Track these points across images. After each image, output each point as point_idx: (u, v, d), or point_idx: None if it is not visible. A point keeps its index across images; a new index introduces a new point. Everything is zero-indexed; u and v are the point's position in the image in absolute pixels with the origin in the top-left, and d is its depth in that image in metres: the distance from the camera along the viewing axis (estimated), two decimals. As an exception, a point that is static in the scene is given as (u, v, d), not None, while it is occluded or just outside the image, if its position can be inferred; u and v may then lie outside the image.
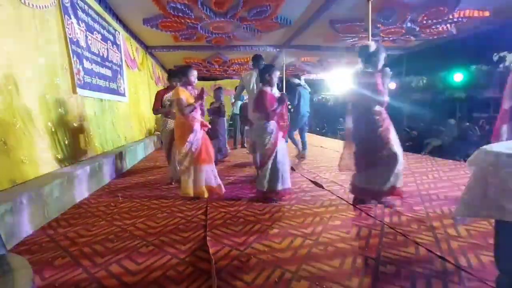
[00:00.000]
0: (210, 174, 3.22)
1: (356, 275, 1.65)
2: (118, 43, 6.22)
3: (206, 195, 3.16)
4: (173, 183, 3.88)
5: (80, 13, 4.36)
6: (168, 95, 3.95)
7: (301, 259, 1.84)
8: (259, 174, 3.16)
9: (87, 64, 4.46)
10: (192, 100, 3.18)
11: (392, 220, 2.43)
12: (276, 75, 3.11)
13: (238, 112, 7.43)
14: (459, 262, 1.74)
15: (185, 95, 3.17)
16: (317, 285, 1.57)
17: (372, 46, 2.75)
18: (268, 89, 3.07)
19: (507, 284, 1.15)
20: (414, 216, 2.50)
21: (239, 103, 6.96)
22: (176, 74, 3.91)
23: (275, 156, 2.98)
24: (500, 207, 1.07)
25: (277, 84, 3.60)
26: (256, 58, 4.05)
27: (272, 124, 3.03)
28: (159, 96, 4.22)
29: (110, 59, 5.60)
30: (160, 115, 4.49)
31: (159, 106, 4.20)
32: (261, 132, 3.04)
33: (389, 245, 1.99)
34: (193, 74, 3.31)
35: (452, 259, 1.78)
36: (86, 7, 4.61)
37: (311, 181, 3.86)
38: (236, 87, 7.66)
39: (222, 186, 3.30)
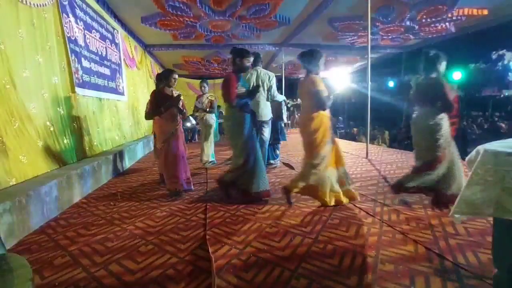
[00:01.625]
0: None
1: (355, 273, 1.65)
2: (117, 41, 6.21)
3: (332, 202, 2.72)
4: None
5: (78, 11, 4.35)
6: (239, 87, 2.88)
7: (300, 257, 1.85)
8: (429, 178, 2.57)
9: (85, 63, 4.45)
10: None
11: (391, 218, 2.44)
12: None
13: None
14: (457, 260, 1.74)
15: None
16: (316, 283, 1.57)
17: None
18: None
19: (505, 282, 1.16)
20: (412, 214, 2.51)
21: None
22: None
23: (453, 157, 2.53)
24: (499, 205, 1.07)
25: (276, 84, 3.53)
26: (254, 57, 4.04)
27: (447, 120, 2.55)
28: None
29: (108, 58, 5.59)
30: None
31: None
32: (433, 129, 2.51)
33: (387, 243, 2.00)
34: (324, 62, 2.77)
35: (450, 257, 1.78)
36: (84, 6, 4.59)
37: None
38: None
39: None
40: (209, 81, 15.03)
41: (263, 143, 3.97)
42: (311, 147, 2.70)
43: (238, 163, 2.95)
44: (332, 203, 2.71)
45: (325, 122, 2.67)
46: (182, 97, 3.42)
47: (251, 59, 2.99)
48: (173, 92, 3.42)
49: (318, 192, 2.71)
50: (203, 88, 5.15)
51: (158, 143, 3.41)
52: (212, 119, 5.21)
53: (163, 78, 3.41)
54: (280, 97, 4.27)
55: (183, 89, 12.26)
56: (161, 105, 3.21)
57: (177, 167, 3.26)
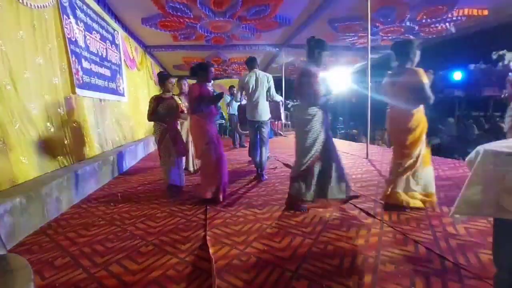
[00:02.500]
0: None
1: (355, 274, 1.65)
2: (117, 42, 6.21)
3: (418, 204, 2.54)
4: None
5: (78, 12, 4.35)
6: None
7: (300, 258, 1.85)
8: None
9: (86, 64, 4.45)
10: None
11: (391, 219, 2.44)
12: None
13: (234, 113, 7.46)
14: (458, 260, 1.74)
15: None
16: (317, 284, 1.57)
17: None
18: None
19: (506, 282, 1.16)
20: (413, 215, 2.51)
21: (237, 103, 6.97)
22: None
23: None
24: (499, 205, 1.07)
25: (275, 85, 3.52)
26: (251, 61, 4.09)
27: None
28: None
29: (109, 59, 5.59)
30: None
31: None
32: None
33: (388, 244, 2.00)
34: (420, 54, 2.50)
35: (451, 257, 1.78)
36: (84, 7, 4.60)
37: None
38: (229, 86, 7.75)
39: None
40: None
41: (263, 144, 4.01)
42: (402, 145, 2.50)
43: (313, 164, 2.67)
44: (418, 204, 2.52)
45: (424, 120, 2.49)
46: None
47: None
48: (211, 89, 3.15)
49: (409, 196, 2.52)
50: (183, 86, 4.51)
51: (200, 146, 3.06)
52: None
53: (201, 73, 3.07)
54: (278, 98, 4.34)
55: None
56: (203, 102, 2.94)
57: (223, 172, 3.00)
